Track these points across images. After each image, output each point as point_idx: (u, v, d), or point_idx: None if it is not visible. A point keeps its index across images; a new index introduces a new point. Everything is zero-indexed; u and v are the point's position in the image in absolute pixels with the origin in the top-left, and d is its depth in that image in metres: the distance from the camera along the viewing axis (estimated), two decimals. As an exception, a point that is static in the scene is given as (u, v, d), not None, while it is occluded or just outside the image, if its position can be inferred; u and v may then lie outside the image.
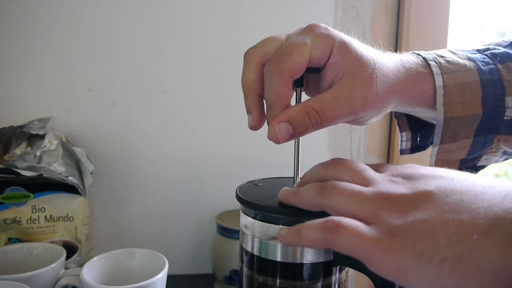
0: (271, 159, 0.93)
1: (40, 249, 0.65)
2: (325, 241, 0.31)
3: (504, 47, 0.49)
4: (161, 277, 0.56)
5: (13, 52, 0.85)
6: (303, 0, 0.91)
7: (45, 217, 0.72)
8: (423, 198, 0.30)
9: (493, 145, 0.48)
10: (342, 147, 0.99)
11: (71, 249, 0.71)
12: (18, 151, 0.72)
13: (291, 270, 0.38)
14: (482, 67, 0.46)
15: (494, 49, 0.49)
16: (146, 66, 0.89)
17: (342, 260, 0.37)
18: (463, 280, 0.25)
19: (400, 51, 0.47)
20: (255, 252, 0.40)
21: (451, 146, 0.47)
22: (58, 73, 0.87)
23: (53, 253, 0.62)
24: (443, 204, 0.28)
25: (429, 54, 0.46)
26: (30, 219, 0.71)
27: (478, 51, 0.49)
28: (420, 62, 0.45)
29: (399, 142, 0.56)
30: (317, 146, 0.97)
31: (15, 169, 0.68)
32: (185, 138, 0.92)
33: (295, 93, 0.42)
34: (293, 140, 0.40)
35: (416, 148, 0.56)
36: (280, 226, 0.38)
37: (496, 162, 0.52)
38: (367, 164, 0.38)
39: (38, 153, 0.72)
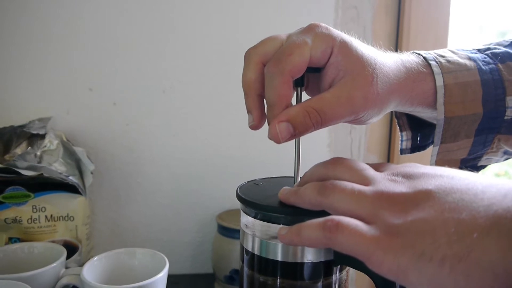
0: (272, 158, 0.93)
1: (41, 248, 0.65)
2: (325, 240, 0.31)
3: (505, 46, 0.49)
4: (162, 276, 0.56)
5: (13, 52, 0.85)
6: (303, 0, 0.91)
7: (46, 216, 0.72)
8: (423, 197, 0.30)
9: (494, 144, 0.48)
10: (342, 146, 0.99)
11: (71, 249, 0.71)
12: (18, 150, 0.72)
13: (292, 269, 0.38)
14: (483, 67, 0.46)
15: (495, 48, 0.49)
16: (146, 66, 0.89)
17: (343, 259, 0.37)
18: (463, 279, 0.25)
19: (401, 50, 0.47)
20: (256, 252, 0.40)
21: (451, 146, 0.47)
22: (59, 73, 0.87)
23: (54, 253, 0.62)
24: (443, 203, 0.28)
25: (430, 54, 0.46)
26: (31, 218, 0.71)
27: (479, 50, 0.49)
28: (420, 62, 0.45)
29: (400, 142, 0.56)
30: (318, 146, 0.97)
31: (15, 169, 0.68)
32: (186, 137, 0.92)
33: (295, 92, 0.42)
34: (294, 140, 0.40)
35: (416, 147, 0.56)
36: (281, 226, 0.38)
37: (496, 162, 0.52)
38: (367, 164, 0.38)
39: (38, 153, 0.72)
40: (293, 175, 0.44)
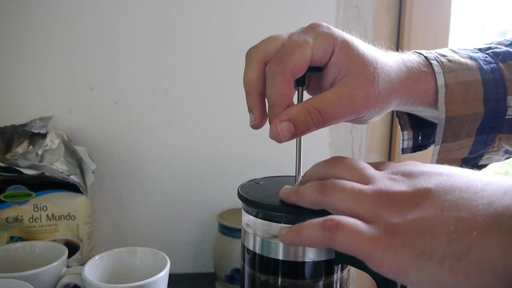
0: (273, 158, 0.93)
1: (42, 247, 0.65)
2: (325, 240, 0.31)
3: (506, 46, 0.49)
4: (163, 275, 0.56)
5: (13, 52, 0.85)
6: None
7: (47, 215, 0.72)
8: (422, 196, 0.30)
9: (495, 144, 0.48)
10: (343, 146, 0.99)
11: (72, 248, 0.71)
12: (20, 149, 0.72)
13: (293, 268, 0.39)
14: (484, 66, 0.46)
15: (496, 48, 0.49)
16: (147, 66, 0.89)
17: (344, 258, 0.37)
18: (462, 278, 0.25)
19: (402, 50, 0.47)
20: (257, 251, 0.40)
21: (452, 145, 0.47)
22: (59, 73, 0.87)
23: (55, 252, 0.62)
24: (443, 202, 0.28)
25: (431, 53, 0.46)
26: (32, 217, 0.71)
27: (480, 50, 0.49)
28: (421, 61, 0.45)
29: (401, 141, 0.56)
30: (319, 145, 0.97)
31: (17, 168, 0.69)
32: (187, 137, 0.93)
33: (296, 92, 0.42)
34: (295, 139, 0.40)
35: (417, 147, 0.56)
36: (282, 225, 0.38)
37: (497, 161, 0.52)
38: (368, 163, 0.38)
39: (40, 152, 0.72)
40: (294, 174, 0.44)
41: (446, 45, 0.96)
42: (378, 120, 0.44)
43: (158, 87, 0.90)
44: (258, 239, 0.40)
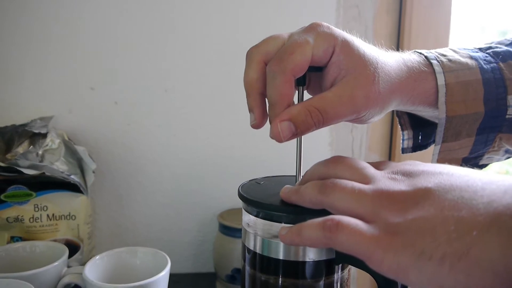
0: (273, 157, 0.94)
1: (43, 247, 0.65)
2: (325, 240, 0.31)
3: (506, 45, 0.49)
4: (163, 275, 0.56)
5: (13, 52, 0.85)
6: (305, -1, 0.91)
7: (48, 215, 0.72)
8: (422, 195, 0.29)
9: (495, 143, 0.48)
10: (343, 145, 0.99)
11: (73, 248, 0.71)
12: (20, 149, 0.72)
13: (294, 268, 0.39)
14: (484, 66, 0.46)
15: (496, 47, 0.49)
16: (147, 66, 0.89)
17: (344, 258, 0.37)
18: (463, 277, 0.25)
19: (402, 50, 0.47)
20: (258, 250, 0.40)
21: (453, 145, 0.47)
22: (60, 73, 0.87)
23: (56, 252, 0.62)
24: (443, 201, 0.28)
25: (431, 53, 0.46)
26: (33, 217, 0.71)
27: (480, 49, 0.49)
28: (422, 61, 0.45)
29: (401, 141, 0.56)
30: (319, 145, 0.97)
31: (17, 168, 0.69)
32: (187, 137, 0.93)
33: (297, 91, 0.42)
34: (295, 139, 0.40)
35: (418, 146, 0.56)
36: (282, 225, 0.38)
37: (498, 160, 0.52)
38: (368, 162, 0.38)
39: (40, 152, 0.72)
40: (295, 174, 0.44)
41: (446, 45, 0.96)
42: (378, 120, 0.44)
43: (159, 87, 0.90)
44: (258, 239, 0.40)
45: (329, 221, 0.31)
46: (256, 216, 0.40)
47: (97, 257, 0.60)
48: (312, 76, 0.44)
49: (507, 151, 0.50)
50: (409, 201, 0.30)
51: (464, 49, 0.49)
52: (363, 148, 0.99)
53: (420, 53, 0.46)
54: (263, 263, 0.40)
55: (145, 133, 0.91)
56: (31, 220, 0.71)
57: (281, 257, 0.39)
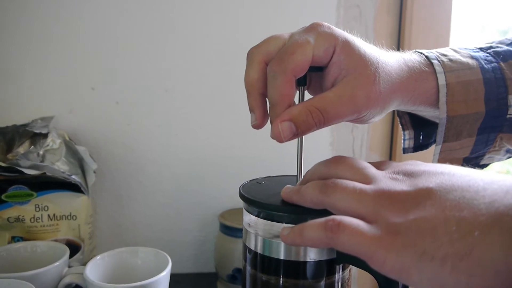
0: (274, 157, 0.94)
1: (44, 247, 0.65)
2: (327, 240, 0.31)
3: (507, 45, 0.49)
4: (165, 275, 0.56)
5: (14, 52, 0.85)
6: (305, -1, 0.91)
7: (48, 215, 0.72)
8: (424, 195, 0.29)
9: (496, 143, 0.48)
10: (344, 145, 0.99)
11: (74, 248, 0.71)
12: (21, 149, 0.72)
13: (294, 268, 0.39)
14: (485, 66, 0.46)
15: (497, 47, 0.49)
16: (148, 66, 0.89)
17: (345, 258, 0.37)
18: (464, 277, 0.25)
19: (403, 49, 0.47)
20: (259, 250, 0.40)
21: (454, 145, 0.47)
22: (60, 73, 0.87)
23: (57, 252, 0.62)
24: (444, 201, 0.28)
25: (432, 53, 0.46)
26: (34, 217, 0.71)
27: (481, 49, 0.49)
28: (422, 61, 0.45)
29: (402, 141, 0.56)
30: (320, 145, 0.97)
31: (18, 168, 0.69)
32: (187, 137, 0.93)
33: (298, 92, 0.42)
34: (296, 139, 0.40)
35: (419, 146, 0.56)
36: (283, 225, 0.38)
37: (499, 160, 0.52)
38: (369, 162, 0.38)
39: (41, 152, 0.73)
40: (296, 174, 0.44)
41: (447, 45, 0.96)
42: (379, 120, 0.44)
43: (159, 87, 0.90)
44: (259, 239, 0.40)
45: (330, 222, 0.31)
46: (257, 216, 0.40)
47: (98, 257, 0.60)
48: (313, 76, 0.44)
49: (508, 151, 0.50)
50: (411, 201, 0.30)
51: (465, 49, 0.49)
52: (364, 148, 0.99)
53: (421, 53, 0.46)
54: (264, 263, 0.40)
55: (145, 133, 0.91)
56: (32, 220, 0.71)
57: (282, 257, 0.39)
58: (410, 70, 0.43)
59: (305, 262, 0.38)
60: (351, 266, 0.41)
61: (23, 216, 0.71)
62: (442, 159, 0.48)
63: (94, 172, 0.80)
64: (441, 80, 0.44)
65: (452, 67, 0.45)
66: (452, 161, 0.48)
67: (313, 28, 0.39)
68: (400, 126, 0.55)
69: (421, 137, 0.55)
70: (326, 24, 0.40)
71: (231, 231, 0.83)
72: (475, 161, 0.50)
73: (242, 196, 0.41)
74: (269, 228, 0.40)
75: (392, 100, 0.41)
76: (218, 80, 0.91)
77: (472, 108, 0.45)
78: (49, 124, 0.80)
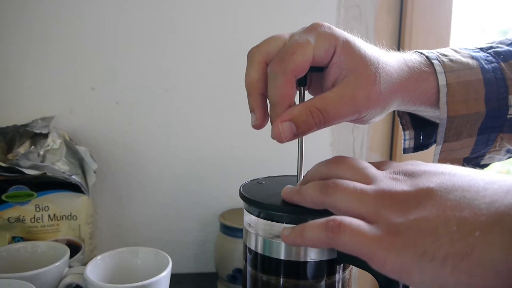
0: (274, 157, 0.94)
1: (44, 247, 0.65)
2: (327, 240, 0.31)
3: (507, 45, 0.49)
4: (165, 275, 0.56)
5: (14, 52, 0.85)
6: (306, -1, 0.91)
7: (49, 215, 0.72)
8: (424, 195, 0.29)
9: (497, 143, 0.48)
10: (345, 145, 0.99)
11: (74, 248, 0.71)
12: (21, 150, 0.72)
13: (295, 268, 0.39)
14: (485, 66, 0.46)
15: (497, 47, 0.49)
16: (148, 66, 0.89)
17: (346, 258, 0.37)
18: (465, 278, 0.25)
19: (403, 49, 0.47)
20: (259, 251, 0.40)
21: (454, 145, 0.47)
22: (60, 73, 0.87)
23: (57, 252, 0.62)
24: (445, 201, 0.28)
25: (432, 53, 0.46)
26: (34, 217, 0.71)
27: (481, 49, 0.49)
28: (423, 61, 0.45)
29: (402, 141, 0.56)
30: (320, 145, 0.97)
31: (18, 168, 0.69)
32: (188, 137, 0.93)
33: (298, 92, 0.42)
34: (296, 139, 0.40)
35: (419, 146, 0.56)
36: (284, 225, 0.38)
37: (499, 160, 0.52)
38: (369, 162, 0.38)
39: (41, 152, 0.73)
40: (296, 174, 0.44)
41: (447, 45, 0.96)
42: (380, 120, 0.44)
43: (159, 87, 0.90)
44: (260, 239, 0.40)
45: (331, 222, 0.31)
46: (258, 216, 0.40)
47: (99, 257, 0.60)
48: (314, 77, 0.44)
49: (508, 151, 0.50)
50: (411, 201, 0.30)
51: (465, 49, 0.49)
52: (364, 148, 0.99)
53: (421, 53, 0.46)
54: (265, 263, 0.40)
55: (145, 133, 0.91)
56: (33, 220, 0.71)
57: (282, 257, 0.39)
58: (411, 70, 0.43)
59: (305, 262, 0.38)
60: (351, 266, 0.41)
61: (23, 216, 0.71)
62: (442, 159, 0.48)
63: (95, 172, 0.80)
64: (442, 80, 0.44)
65: (453, 67, 0.45)
66: (452, 161, 0.48)
67: (314, 28, 0.39)
68: (401, 126, 0.55)
69: (421, 137, 0.55)
70: (326, 24, 0.40)
71: (232, 231, 0.83)
72: (475, 161, 0.50)
73: (242, 196, 0.41)
74: (270, 228, 0.40)
75: (393, 100, 0.41)
76: (218, 80, 0.91)
77: (473, 108, 0.45)
78: (50, 124, 0.80)
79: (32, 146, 0.73)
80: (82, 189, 0.74)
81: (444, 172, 0.31)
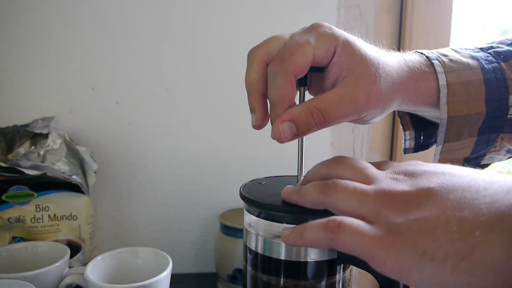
0: (274, 157, 0.93)
1: (44, 248, 0.65)
2: (327, 241, 0.31)
3: (508, 45, 0.49)
4: (165, 275, 0.56)
5: (14, 52, 0.85)
6: (306, -1, 0.91)
7: (49, 216, 0.72)
8: (424, 195, 0.29)
9: (497, 143, 0.48)
10: (345, 145, 0.99)
11: (74, 248, 0.71)
12: (22, 150, 0.72)
13: (295, 268, 0.39)
14: (486, 66, 0.46)
15: (498, 47, 0.49)
16: (148, 66, 0.89)
17: (346, 258, 0.37)
18: (465, 278, 0.25)
19: (403, 49, 0.47)
20: (259, 251, 0.40)
21: (454, 145, 0.47)
22: (60, 73, 0.87)
23: (57, 252, 0.63)
24: (445, 201, 0.28)
25: (432, 53, 0.46)
26: (34, 218, 0.71)
27: (482, 49, 0.49)
28: (423, 61, 0.45)
29: (403, 141, 0.56)
30: (320, 145, 0.97)
31: (19, 168, 0.69)
32: (187, 137, 0.93)
33: (298, 92, 0.42)
34: (297, 139, 0.40)
35: (419, 147, 0.56)
36: (284, 225, 0.38)
37: (500, 160, 0.52)
38: (370, 162, 0.38)
39: (42, 152, 0.73)
40: (296, 174, 0.44)
41: (447, 45, 0.96)
42: (380, 120, 0.44)
43: (159, 87, 0.90)
44: (260, 239, 0.40)
45: (331, 222, 0.31)
46: (258, 216, 0.40)
47: (99, 257, 0.60)
48: (314, 77, 0.44)
49: (508, 151, 0.50)
50: (411, 201, 0.30)
51: (466, 49, 0.49)
52: (364, 148, 0.99)
53: (422, 53, 0.46)
54: (265, 263, 0.40)
55: (146, 133, 0.91)
56: (33, 220, 0.71)
57: (282, 257, 0.39)
58: (411, 71, 0.43)
59: (306, 263, 0.38)
60: (352, 266, 0.41)
61: (23, 216, 0.71)
62: (443, 159, 0.48)
63: (95, 172, 0.80)
64: (442, 80, 0.44)
65: (453, 67, 0.45)
66: (453, 161, 0.48)
67: (314, 29, 0.39)
68: (401, 126, 0.55)
69: (421, 138, 0.55)
70: (326, 24, 0.39)
71: (232, 231, 0.83)
72: (475, 161, 0.50)
73: (242, 196, 0.41)
74: (270, 228, 0.40)
75: (393, 100, 0.41)
76: (219, 80, 0.91)
77: (473, 108, 0.45)
78: (50, 124, 0.80)
79: (32, 146, 0.73)
80: (82, 189, 0.74)
81: (445, 172, 0.31)
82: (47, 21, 0.85)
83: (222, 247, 0.85)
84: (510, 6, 1.21)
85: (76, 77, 0.88)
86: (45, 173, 0.70)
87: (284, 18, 0.91)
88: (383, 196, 0.31)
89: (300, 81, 0.40)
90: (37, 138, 0.76)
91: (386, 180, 0.33)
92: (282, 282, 0.39)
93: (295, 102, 0.40)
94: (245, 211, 0.43)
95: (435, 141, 0.52)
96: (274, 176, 0.48)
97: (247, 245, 0.42)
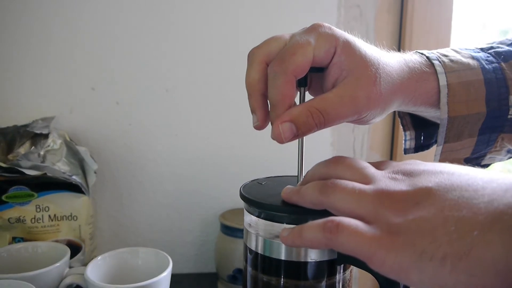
0: (274, 157, 0.93)
1: (45, 248, 0.65)
2: (326, 241, 0.31)
3: (508, 45, 0.49)
4: (165, 276, 0.56)
5: (14, 52, 0.85)
6: (306, -1, 0.91)
7: (49, 216, 0.72)
8: (423, 195, 0.29)
9: (497, 143, 0.48)
10: (345, 145, 0.99)
11: (75, 248, 0.71)
12: (22, 150, 0.72)
13: (295, 269, 0.39)
14: (486, 66, 0.46)
15: (498, 47, 0.49)
16: (148, 66, 0.89)
17: (346, 258, 0.37)
18: (464, 277, 0.25)
19: (404, 50, 0.47)
20: (259, 251, 0.40)
21: (455, 145, 0.47)
22: (61, 73, 0.87)
23: (58, 252, 0.63)
24: (443, 201, 0.28)
25: (433, 53, 0.46)
26: (34, 218, 0.71)
27: (482, 49, 0.49)
28: (423, 62, 0.45)
29: (403, 141, 0.56)
30: (321, 145, 0.97)
31: (19, 168, 0.69)
32: (188, 137, 0.93)
33: (298, 92, 0.42)
34: (297, 139, 0.40)
35: (420, 147, 0.56)
36: (284, 226, 0.38)
37: (500, 160, 0.52)
38: (369, 162, 0.38)
39: (42, 152, 0.73)
40: (296, 174, 0.44)
41: (448, 45, 0.96)
42: (380, 120, 0.44)
43: (159, 87, 0.90)
44: (260, 239, 0.40)
45: (329, 223, 0.31)
46: (258, 216, 0.40)
47: (99, 257, 0.60)
48: (314, 77, 0.44)
49: (509, 151, 0.50)
50: (410, 201, 0.30)
51: (466, 49, 0.49)
52: (364, 148, 0.99)
53: (422, 53, 0.46)
54: (265, 263, 0.40)
55: (146, 133, 0.91)
56: (33, 220, 0.71)
57: (282, 257, 0.39)
58: (411, 71, 0.43)
59: (306, 263, 0.38)
60: (352, 266, 0.41)
61: (23, 216, 0.71)
62: (443, 160, 0.48)
63: (95, 172, 0.80)
64: (442, 80, 0.44)
65: (453, 68, 0.45)
66: (453, 162, 0.48)
67: (314, 29, 0.39)
68: (401, 127, 0.55)
69: (422, 138, 0.55)
70: (326, 24, 0.40)
71: (232, 231, 0.83)
72: (476, 161, 0.50)
73: (242, 197, 0.41)
74: (270, 228, 0.40)
75: (393, 100, 0.41)
76: (219, 80, 0.91)
77: (473, 108, 0.45)
78: (50, 125, 0.80)
79: (33, 147, 0.73)
80: (83, 189, 0.74)
81: (443, 171, 0.31)
82: (47, 21, 0.85)
83: (222, 247, 0.85)
84: (510, 6, 1.21)
85: (76, 77, 0.88)
86: (45, 173, 0.70)
87: (284, 18, 0.91)
88: (381, 196, 0.31)
89: (300, 81, 0.40)
90: (37, 138, 0.76)
91: (384, 180, 0.33)
92: (282, 282, 0.39)
93: (295, 102, 0.40)
94: (245, 211, 0.43)
95: (436, 142, 0.52)
96: (274, 176, 0.48)
97: (247, 245, 0.42)
